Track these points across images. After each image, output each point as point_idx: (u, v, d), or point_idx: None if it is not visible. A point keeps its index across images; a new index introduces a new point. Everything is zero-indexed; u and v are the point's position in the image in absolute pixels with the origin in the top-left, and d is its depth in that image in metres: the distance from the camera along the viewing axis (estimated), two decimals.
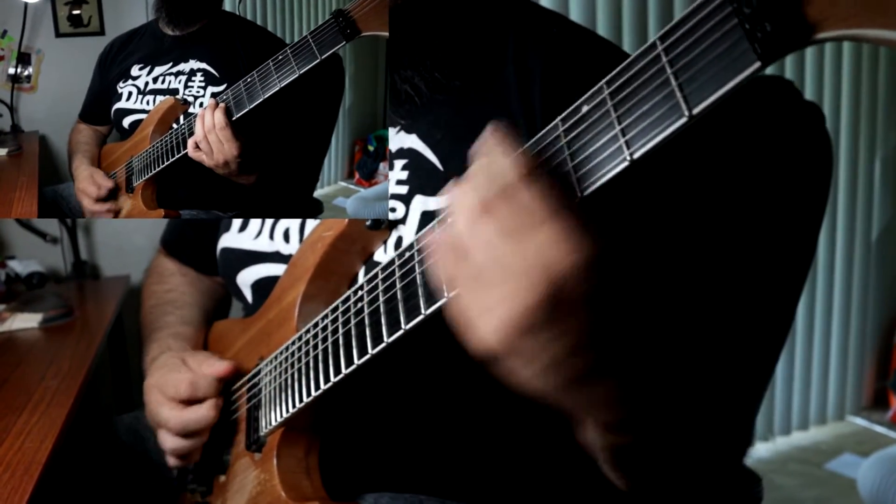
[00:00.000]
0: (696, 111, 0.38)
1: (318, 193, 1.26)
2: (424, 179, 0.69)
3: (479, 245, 0.43)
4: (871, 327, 2.60)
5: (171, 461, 0.80)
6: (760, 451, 2.38)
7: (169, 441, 0.78)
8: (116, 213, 1.15)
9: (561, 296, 0.41)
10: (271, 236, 0.81)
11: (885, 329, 2.63)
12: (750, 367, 0.70)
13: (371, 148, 1.78)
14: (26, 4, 1.32)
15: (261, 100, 0.97)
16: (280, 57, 0.95)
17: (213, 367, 0.77)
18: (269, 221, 0.82)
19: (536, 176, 0.42)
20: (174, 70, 1.15)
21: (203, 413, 0.75)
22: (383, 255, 0.71)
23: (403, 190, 0.69)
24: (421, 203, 0.68)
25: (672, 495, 0.69)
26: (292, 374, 0.69)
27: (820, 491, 2.16)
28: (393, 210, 0.69)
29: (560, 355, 0.44)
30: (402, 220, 0.68)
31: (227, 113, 0.98)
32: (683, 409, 0.65)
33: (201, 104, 1.11)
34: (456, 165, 0.68)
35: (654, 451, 0.58)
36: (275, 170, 1.06)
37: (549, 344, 0.43)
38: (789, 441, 2.45)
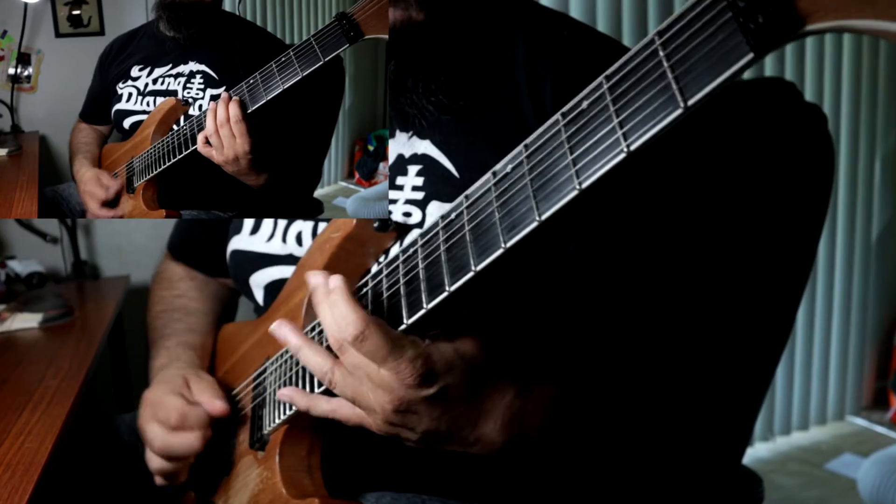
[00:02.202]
0: (690, 102, 0.38)
1: (317, 193, 1.26)
2: (440, 186, 0.70)
3: (348, 368, 0.59)
4: (872, 327, 2.59)
5: (157, 480, 0.80)
6: (761, 452, 2.38)
7: (153, 461, 0.78)
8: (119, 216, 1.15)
9: (408, 405, 0.57)
10: (284, 239, 0.81)
11: (885, 329, 2.63)
12: (750, 369, 0.71)
13: (371, 148, 1.78)
14: (26, 4, 1.32)
15: (264, 101, 0.96)
16: (283, 59, 0.94)
17: (209, 403, 0.77)
18: (281, 224, 0.82)
19: (370, 333, 0.55)
20: (174, 72, 1.15)
21: (188, 441, 0.75)
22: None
23: (419, 196, 0.70)
24: (437, 208, 0.68)
25: (671, 496, 0.69)
26: (296, 372, 0.69)
27: (820, 491, 2.15)
28: (408, 215, 0.69)
29: (427, 427, 0.58)
30: (420, 224, 0.69)
31: (242, 107, 0.97)
32: (679, 413, 0.65)
33: (200, 106, 1.11)
34: (472, 172, 0.68)
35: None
36: (277, 170, 1.06)
37: (415, 424, 0.58)
38: (789, 441, 2.45)
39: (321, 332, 0.66)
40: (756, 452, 2.36)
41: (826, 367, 2.52)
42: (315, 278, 0.60)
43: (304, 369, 0.68)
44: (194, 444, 0.75)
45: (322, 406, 0.64)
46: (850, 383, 2.57)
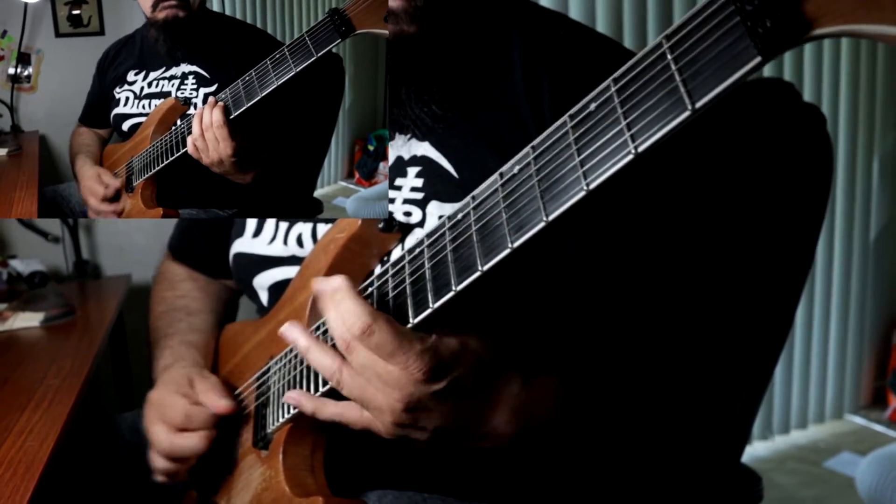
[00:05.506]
0: (698, 105, 0.39)
1: (318, 193, 1.26)
2: (440, 186, 0.70)
3: (356, 368, 0.58)
4: (870, 326, 2.59)
5: (159, 478, 0.80)
6: (759, 450, 2.38)
7: (156, 460, 0.78)
8: (119, 213, 1.16)
9: (418, 401, 0.56)
10: (285, 241, 0.81)
11: (883, 328, 2.63)
12: (749, 368, 0.71)
13: (371, 147, 1.79)
14: (26, 4, 1.32)
15: (258, 97, 0.97)
16: (277, 56, 0.95)
17: (213, 402, 0.77)
18: (282, 227, 0.82)
19: (377, 327, 0.55)
20: (167, 74, 1.15)
21: (192, 442, 0.76)
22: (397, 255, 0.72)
23: (419, 196, 0.70)
24: (437, 208, 0.69)
25: (670, 494, 0.69)
26: (300, 371, 0.69)
27: (818, 489, 2.16)
28: (409, 214, 0.70)
29: (437, 423, 0.58)
30: (420, 224, 0.69)
31: (226, 111, 0.98)
32: (678, 411, 0.66)
33: (196, 105, 1.12)
34: (470, 172, 0.69)
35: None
36: (274, 169, 1.06)
37: (425, 422, 0.58)
38: (788, 440, 2.45)
39: (325, 331, 0.67)
40: (755, 451, 2.36)
41: (824, 365, 2.52)
42: (319, 284, 0.60)
43: (308, 368, 0.68)
44: (198, 445, 0.75)
45: (329, 409, 0.63)
46: (849, 382, 2.57)
